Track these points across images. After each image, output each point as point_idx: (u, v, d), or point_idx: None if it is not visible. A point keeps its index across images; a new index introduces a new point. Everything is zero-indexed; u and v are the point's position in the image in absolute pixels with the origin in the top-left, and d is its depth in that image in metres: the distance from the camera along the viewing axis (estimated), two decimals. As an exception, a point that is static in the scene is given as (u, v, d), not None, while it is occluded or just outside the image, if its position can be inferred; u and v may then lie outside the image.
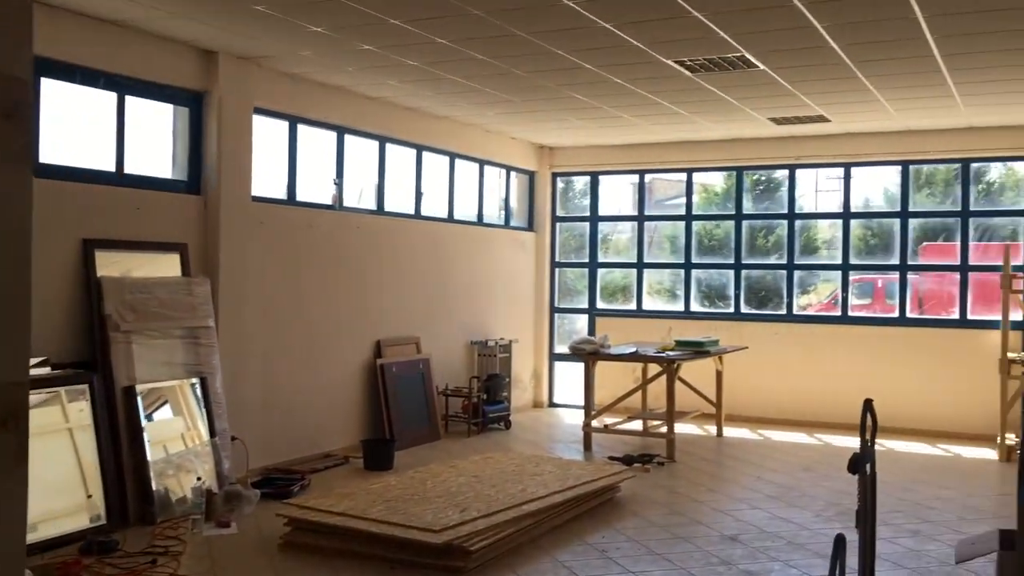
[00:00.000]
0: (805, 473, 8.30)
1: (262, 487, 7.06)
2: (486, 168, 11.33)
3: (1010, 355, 9.42)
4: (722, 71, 7.56)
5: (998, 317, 10.00)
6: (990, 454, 9.23)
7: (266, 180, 8.13)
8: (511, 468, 7.36)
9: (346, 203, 9.05)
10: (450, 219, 10.63)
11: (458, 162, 10.77)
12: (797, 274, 11.28)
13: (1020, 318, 9.65)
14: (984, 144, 10.02)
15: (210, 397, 7.02)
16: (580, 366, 9.74)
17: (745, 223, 11.50)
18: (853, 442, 10.04)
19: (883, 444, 9.73)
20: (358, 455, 8.42)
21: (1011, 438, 9.17)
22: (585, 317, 12.42)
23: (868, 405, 4.23)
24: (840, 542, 3.88)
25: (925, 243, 10.87)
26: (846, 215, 10.88)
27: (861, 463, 4.14)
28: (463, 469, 7.34)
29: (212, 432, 6.97)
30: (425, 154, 10.21)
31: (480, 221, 11.22)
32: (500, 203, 11.88)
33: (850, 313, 10.90)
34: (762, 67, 7.39)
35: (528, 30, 6.48)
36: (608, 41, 6.70)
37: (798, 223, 11.27)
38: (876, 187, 11.31)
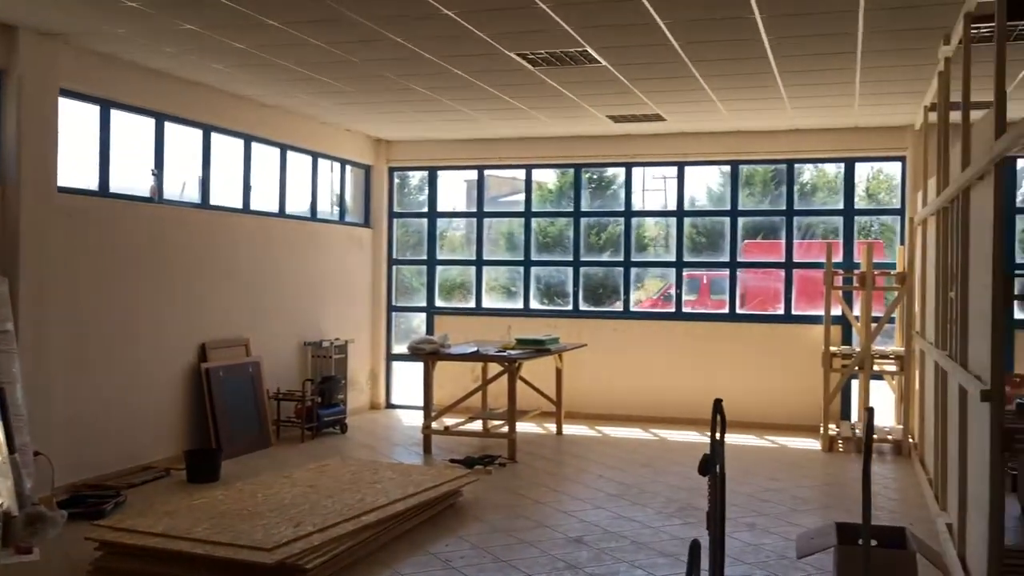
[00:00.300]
0: (645, 469, 8.34)
1: (70, 507, 6.42)
2: (320, 161, 10.85)
3: (832, 349, 9.82)
4: (564, 66, 7.45)
5: (821, 312, 10.43)
6: (814, 444, 9.59)
7: (75, 169, 7.42)
8: (348, 476, 7.00)
9: (167, 195, 8.40)
10: (281, 214, 10.11)
11: (290, 154, 10.26)
12: (633, 271, 11.41)
13: (840, 313, 10.08)
14: (806, 146, 10.41)
15: (8, 409, 6.30)
16: (419, 366, 9.46)
17: (583, 220, 11.54)
18: (689, 436, 10.37)
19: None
20: (181, 467, 7.83)
21: (833, 428, 9.55)
22: (423, 316, 12.15)
23: (717, 405, 4.17)
24: (695, 549, 3.77)
25: (747, 240, 11.21)
26: (680, 213, 11.08)
27: (712, 464, 4.06)
28: (297, 479, 6.92)
29: (11, 448, 6.25)
30: (254, 145, 9.65)
31: (314, 216, 10.74)
32: (335, 198, 11.43)
33: (683, 309, 11.11)
34: (604, 63, 7.33)
35: (365, 14, 6.14)
36: (450, 31, 6.45)
37: (633, 221, 11.39)
38: (700, 186, 11.61)
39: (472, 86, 8.33)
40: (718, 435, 4.14)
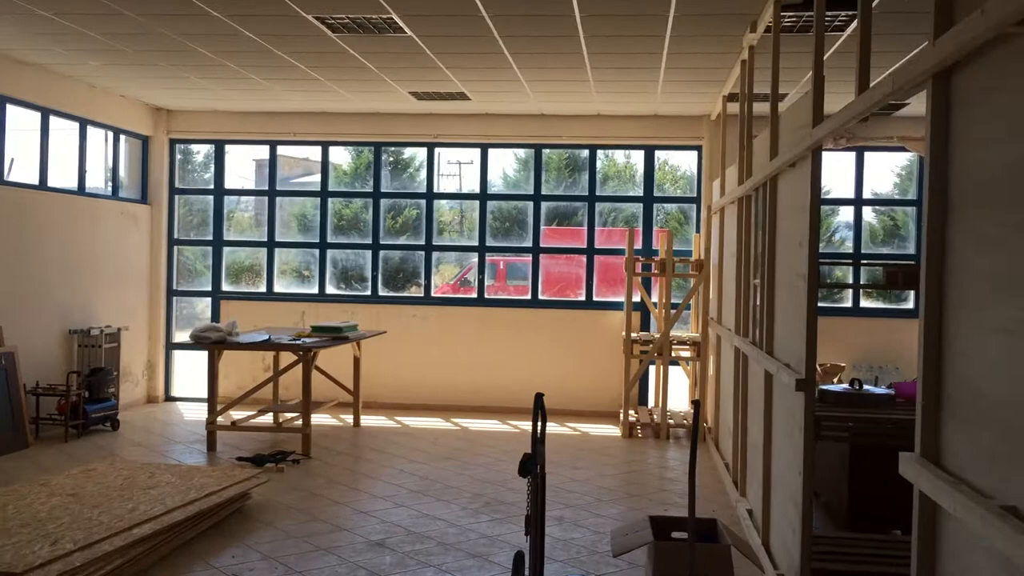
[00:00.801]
0: (448, 462, 8.02)
1: None
2: (90, 129, 9.76)
3: (632, 335, 9.88)
4: (367, 34, 6.95)
5: (621, 299, 10.49)
6: (614, 431, 9.61)
7: None
8: (119, 482, 6.22)
9: None
10: (43, 187, 8.99)
11: (53, 120, 9.14)
12: (435, 255, 11.05)
13: (639, 300, 10.16)
14: (609, 132, 10.41)
15: None
16: (203, 356, 8.68)
17: (383, 202, 11.05)
18: (492, 425, 10.16)
19: (517, 425, 9.78)
20: (-86, 476, 6.75)
21: (632, 415, 9.60)
22: (209, 301, 11.26)
23: (539, 401, 3.86)
24: (519, 561, 3.45)
25: (547, 226, 11.14)
26: (483, 196, 10.82)
27: (533, 465, 3.75)
28: (57, 487, 6.08)
29: None
30: (9, 108, 8.50)
31: (82, 190, 9.64)
32: (107, 171, 10.34)
33: (486, 295, 10.87)
34: (409, 33, 6.89)
35: (140, -41, 5.40)
36: (239, -16, 5.81)
37: (435, 203, 11.03)
38: (496, 169, 11.44)
39: (265, 52, 7.65)
40: (549, 435, 3.83)
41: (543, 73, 8.23)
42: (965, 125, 2.41)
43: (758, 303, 6.06)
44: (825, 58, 5.98)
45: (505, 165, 11.53)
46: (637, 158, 10.88)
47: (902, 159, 10.60)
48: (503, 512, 6.45)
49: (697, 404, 3.79)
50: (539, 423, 3.79)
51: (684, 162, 11.22)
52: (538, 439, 3.80)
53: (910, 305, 10.17)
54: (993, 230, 2.18)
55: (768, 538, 5.47)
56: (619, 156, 11.15)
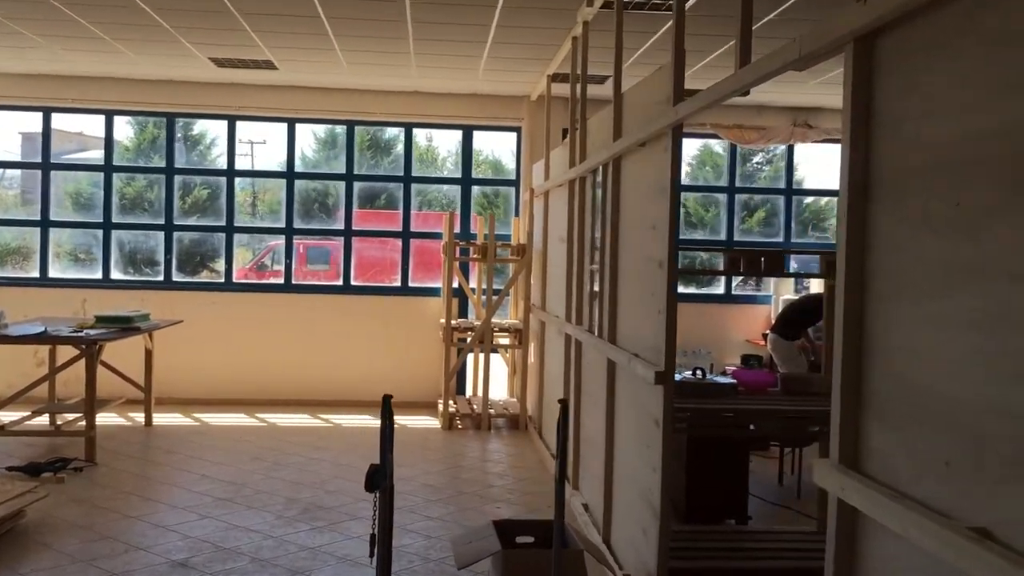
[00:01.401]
0: (256, 464, 7.33)
1: None
2: None
3: (452, 323, 9.49)
4: (163, -15, 6.14)
5: (437, 284, 10.07)
6: (433, 422, 9.20)
7: None
8: None
9: None
10: None
11: None
12: (237, 238, 10.20)
13: (457, 286, 9.77)
14: (427, 110, 9.93)
15: None
16: (-36, 351, 7.51)
17: (176, 179, 10.07)
18: (303, 420, 9.45)
19: (329, 420, 9.18)
20: None
21: (452, 405, 9.22)
22: (-31, 287, 9.89)
23: (386, 403, 3.38)
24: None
25: (359, 208, 10.57)
26: (290, 174, 10.07)
27: (381, 478, 3.26)
28: None
29: None
30: None
31: None
32: None
33: (294, 281, 10.15)
34: (214, -13, 6.15)
35: None
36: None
37: (236, 182, 10.17)
38: (301, 146, 10.76)
39: (35, 1, 6.64)
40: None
41: (361, 43, 7.65)
42: (901, 95, 2.14)
43: (597, 290, 5.81)
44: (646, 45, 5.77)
45: (304, 145, 10.84)
46: (454, 138, 10.47)
47: (693, 147, 10.83)
48: (323, 519, 5.89)
49: (564, 404, 3.43)
50: (387, 428, 3.30)
51: (503, 144, 10.91)
52: (387, 447, 3.31)
53: (719, 290, 10.36)
54: (949, 212, 1.91)
55: (610, 535, 5.24)
56: (422, 136, 10.69)
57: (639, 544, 4.54)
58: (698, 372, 5.54)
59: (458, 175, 10.29)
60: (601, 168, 5.66)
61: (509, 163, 10.69)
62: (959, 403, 1.86)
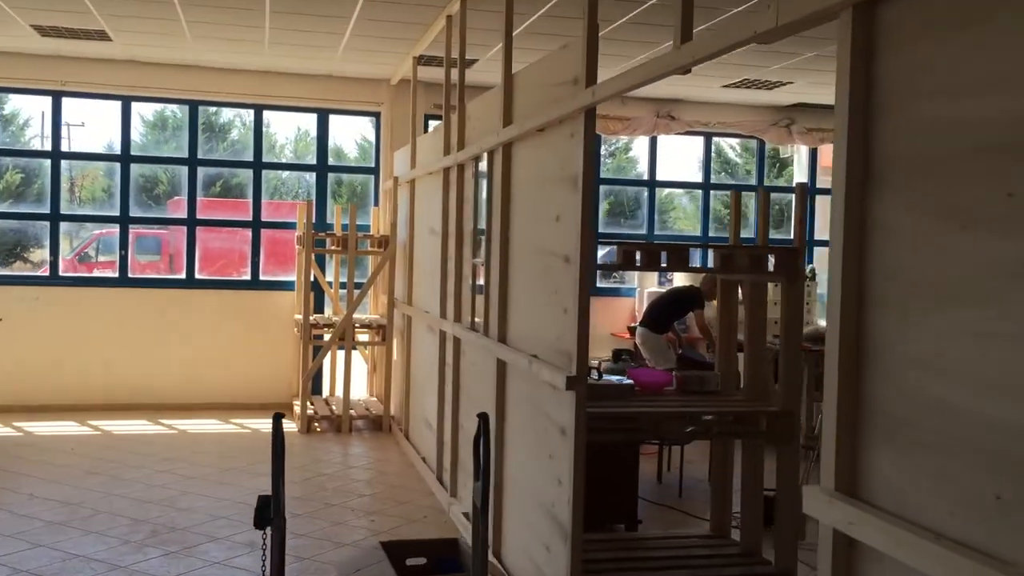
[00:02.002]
0: (92, 479, 6.56)
1: None
2: None
3: (298, 317, 8.91)
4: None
5: (290, 278, 9.45)
6: (289, 426, 8.59)
7: None
8: None
9: None
10: None
11: None
12: (63, 226, 9.23)
13: (312, 279, 9.17)
14: (279, 91, 9.26)
15: None
16: None
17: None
18: (140, 428, 8.59)
19: (173, 426, 8.43)
20: None
21: (309, 407, 8.63)
22: None
23: (277, 421, 2.90)
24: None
25: (176, 197, 9.83)
26: (126, 158, 9.17)
27: (275, 509, 2.79)
28: None
29: None
30: None
31: None
32: None
33: (130, 274, 9.27)
34: (43, -60, 5.37)
35: None
36: None
37: (63, 164, 9.19)
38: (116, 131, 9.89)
39: None
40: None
41: (211, 14, 6.96)
42: (916, 69, 1.88)
43: (481, 284, 5.45)
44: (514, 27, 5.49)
45: (138, 122, 9.99)
46: (295, 123, 9.86)
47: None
48: (176, 542, 5.27)
49: (484, 419, 3.03)
50: (279, 452, 2.83)
51: (345, 130, 10.34)
52: (278, 474, 2.84)
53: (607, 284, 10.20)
54: (998, 204, 1.65)
55: (500, 549, 4.89)
56: (271, 120, 10.01)
57: (540, 560, 4.22)
58: (593, 373, 5.27)
59: (312, 162, 9.66)
60: (487, 155, 5.29)
61: (351, 150, 10.20)
62: (1013, 428, 1.61)
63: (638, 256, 4.51)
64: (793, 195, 5.22)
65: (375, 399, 9.29)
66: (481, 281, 5.43)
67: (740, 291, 5.18)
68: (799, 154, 10.91)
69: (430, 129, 9.22)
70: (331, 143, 9.70)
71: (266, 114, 9.53)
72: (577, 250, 3.77)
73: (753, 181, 10.83)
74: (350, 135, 9.91)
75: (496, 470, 4.91)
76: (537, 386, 4.25)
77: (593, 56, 3.68)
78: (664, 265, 4.58)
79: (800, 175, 10.87)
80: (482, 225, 5.48)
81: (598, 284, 10.23)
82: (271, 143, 11.42)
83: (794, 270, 4.47)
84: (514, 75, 4.90)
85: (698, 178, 10.67)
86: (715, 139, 10.57)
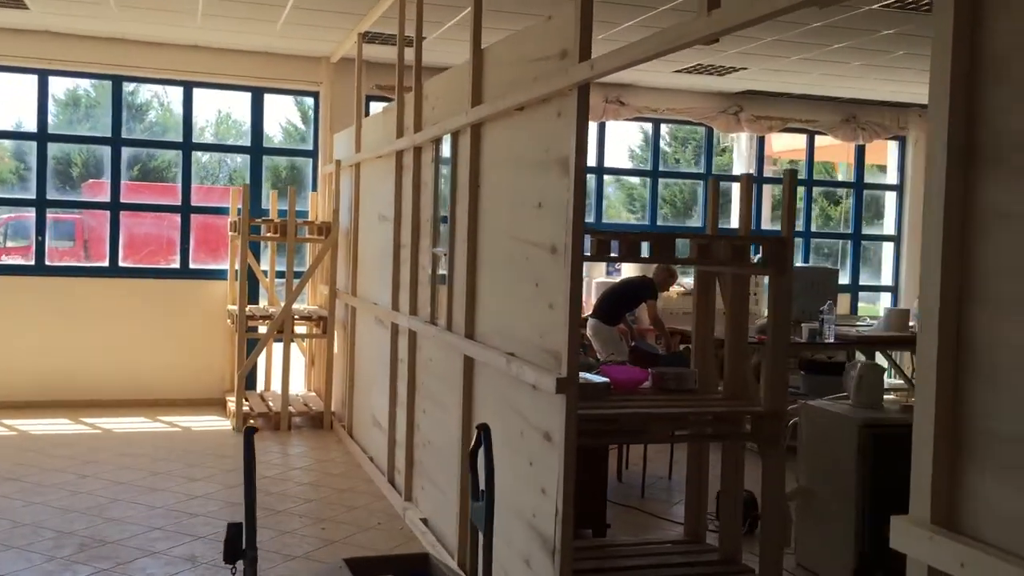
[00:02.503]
0: (9, 487, 6.00)
1: None
2: None
3: (231, 307, 8.42)
4: None
5: (223, 266, 8.93)
6: (223, 423, 8.09)
7: None
8: None
9: None
10: None
11: None
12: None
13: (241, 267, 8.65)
14: (210, 67, 8.70)
15: None
16: None
17: None
18: (60, 427, 7.95)
19: (97, 425, 7.87)
20: None
21: (245, 403, 8.13)
22: None
23: (248, 436, 2.51)
24: None
25: (91, 180, 9.22)
26: (42, 136, 8.50)
27: (247, 544, 2.41)
28: None
29: None
30: None
31: None
32: None
33: (47, 261, 8.62)
34: None
35: None
36: None
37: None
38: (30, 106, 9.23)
39: None
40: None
41: (141, -21, 6.43)
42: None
43: (443, 275, 5.10)
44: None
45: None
46: (214, 103, 9.31)
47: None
48: (109, 557, 4.80)
49: (486, 430, 2.68)
50: (250, 472, 2.45)
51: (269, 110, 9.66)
52: (251, 501, 2.45)
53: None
54: None
55: (467, 560, 4.56)
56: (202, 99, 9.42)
57: (517, 574, 3.90)
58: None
59: (244, 143, 9.14)
60: (450, 137, 4.93)
61: (275, 134, 9.70)
62: None
63: (614, 246, 4.19)
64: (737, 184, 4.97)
65: (313, 394, 8.84)
66: (444, 271, 5.07)
67: (719, 283, 4.94)
68: (739, 142, 10.80)
69: (371, 112, 8.80)
70: (241, 123, 9.14)
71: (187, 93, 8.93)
72: (567, 240, 3.45)
73: (684, 169, 10.67)
74: (274, 117, 9.39)
75: (462, 476, 4.57)
76: (515, 387, 3.93)
77: (588, 27, 3.35)
78: (645, 256, 4.28)
79: (739, 164, 10.75)
80: (444, 212, 5.13)
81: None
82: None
83: (783, 261, 4.23)
84: (484, 50, 4.54)
85: (628, 166, 10.47)
86: (644, 125, 10.36)
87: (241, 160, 10.59)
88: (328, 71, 8.90)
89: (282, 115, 13.73)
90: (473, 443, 2.66)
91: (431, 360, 5.30)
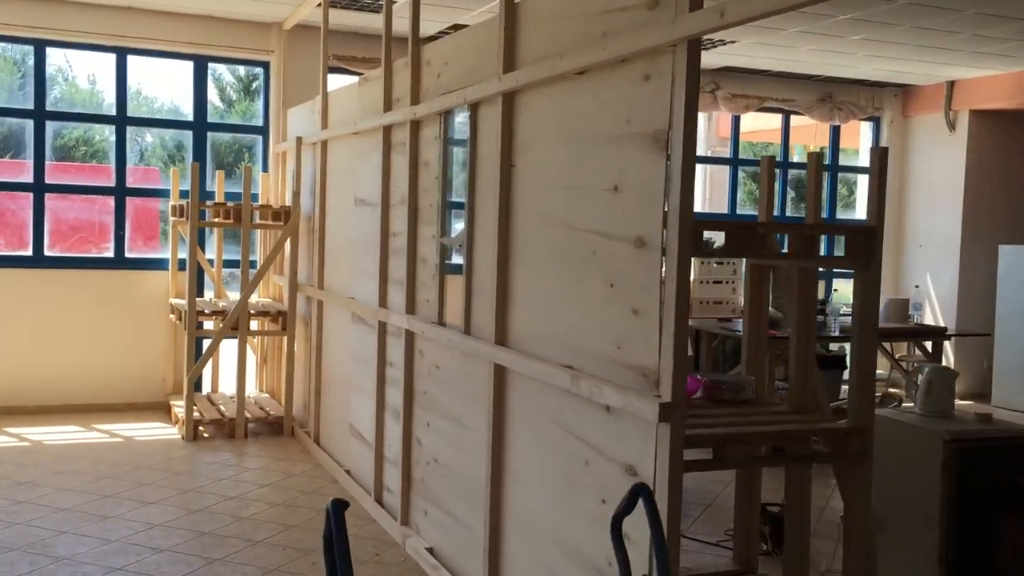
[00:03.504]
0: (-73, 517, 5.10)
1: None
2: None
3: (175, 301, 7.57)
4: None
5: (163, 255, 8.03)
6: (169, 431, 7.23)
7: None
8: None
9: None
10: None
11: None
12: None
13: (184, 256, 7.76)
14: (145, 31, 7.76)
15: None
16: None
17: None
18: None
19: (27, 436, 6.94)
20: None
21: (179, 406, 7.27)
22: None
23: (338, 511, 1.79)
24: None
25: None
26: (-48, 108, 7.47)
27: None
28: None
29: None
30: None
31: None
32: None
33: (-41, 251, 7.59)
34: None
35: None
36: None
37: None
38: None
39: None
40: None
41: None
42: None
43: (456, 265, 4.40)
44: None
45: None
46: (171, 72, 8.40)
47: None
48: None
49: (646, 492, 2.01)
50: (341, 552, 1.73)
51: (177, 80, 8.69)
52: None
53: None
54: None
55: (499, 600, 3.91)
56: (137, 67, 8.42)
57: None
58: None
59: (188, 117, 8.22)
60: (467, 109, 4.23)
61: (186, 108, 8.79)
62: None
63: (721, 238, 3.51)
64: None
65: (267, 396, 8.03)
66: (459, 261, 4.38)
67: (772, 277, 4.37)
68: (712, 121, 10.32)
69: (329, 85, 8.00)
70: (170, 102, 8.20)
71: (95, 66, 7.97)
72: (660, 231, 2.81)
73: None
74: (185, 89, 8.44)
75: (491, 507, 3.91)
76: (574, 406, 3.27)
77: (698, -33, 2.70)
78: (785, 252, 3.72)
79: (700, 144, 10.28)
80: (453, 197, 4.44)
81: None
82: (97, 101, 9.79)
83: (871, 253, 3.66)
84: (517, 4, 3.84)
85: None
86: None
87: (152, 139, 9.68)
88: (281, 38, 8.05)
89: (212, 90, 12.66)
90: (621, 506, 2.00)
91: (438, 367, 4.60)
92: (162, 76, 8.60)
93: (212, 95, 8.62)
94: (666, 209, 2.80)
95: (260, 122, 8.40)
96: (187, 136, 8.18)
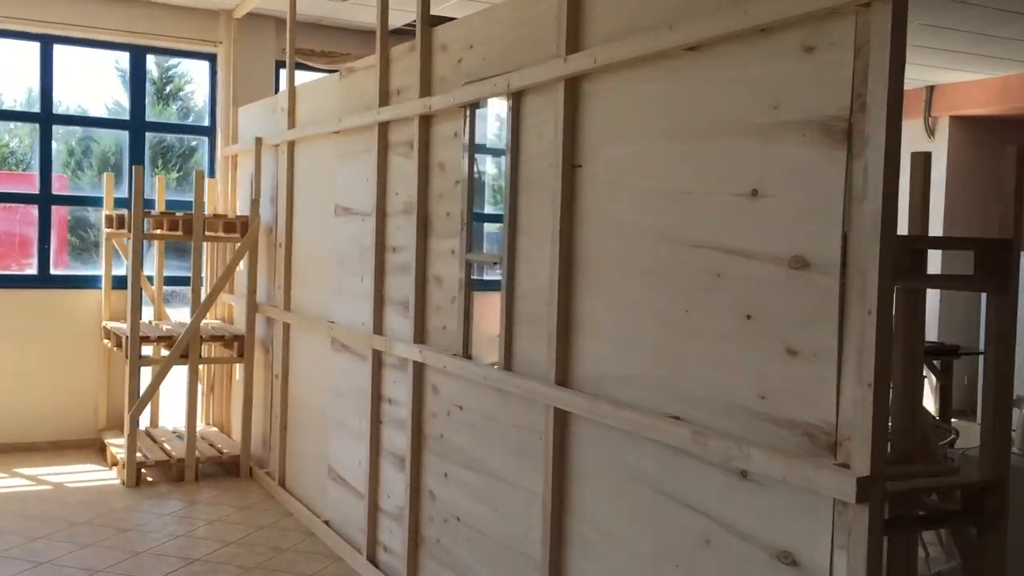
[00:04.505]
0: None
1: None
2: None
3: (110, 324, 6.64)
4: None
5: (95, 272, 7.07)
6: (105, 475, 6.27)
7: None
8: None
9: None
10: None
11: None
12: None
13: (124, 272, 6.84)
14: (73, 18, 6.81)
15: None
16: None
17: None
18: None
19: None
20: None
21: (118, 446, 6.31)
22: None
23: None
24: None
25: None
26: None
27: None
28: None
29: None
30: None
31: None
32: None
33: None
34: None
35: None
36: None
37: None
38: None
39: None
40: None
41: None
42: None
43: (487, 280, 3.68)
44: None
45: None
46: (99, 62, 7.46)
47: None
48: None
49: None
50: None
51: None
52: None
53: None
54: None
55: None
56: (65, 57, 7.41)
57: None
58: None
59: (126, 117, 7.27)
60: (510, 100, 3.51)
61: (98, 111, 7.89)
62: None
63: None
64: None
65: (215, 430, 7.13)
66: (497, 276, 3.66)
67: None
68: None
69: (282, 81, 7.20)
70: (66, 104, 7.22)
71: (13, 56, 6.98)
72: (838, 248, 2.15)
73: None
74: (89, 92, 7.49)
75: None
76: (690, 470, 2.59)
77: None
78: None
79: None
80: (481, 207, 3.71)
81: (483, 276, 8.53)
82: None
83: (1006, 272, 3.08)
84: (579, -23, 3.15)
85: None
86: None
87: (56, 144, 8.64)
88: (230, 28, 7.18)
89: (107, 93, 11.35)
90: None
91: (461, 408, 3.86)
92: (75, 70, 7.59)
93: (120, 95, 7.59)
94: (845, 220, 2.15)
95: (206, 122, 7.49)
96: (102, 137, 7.22)
